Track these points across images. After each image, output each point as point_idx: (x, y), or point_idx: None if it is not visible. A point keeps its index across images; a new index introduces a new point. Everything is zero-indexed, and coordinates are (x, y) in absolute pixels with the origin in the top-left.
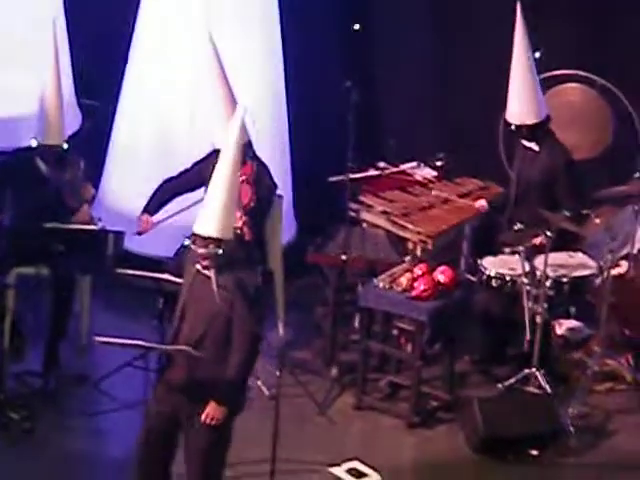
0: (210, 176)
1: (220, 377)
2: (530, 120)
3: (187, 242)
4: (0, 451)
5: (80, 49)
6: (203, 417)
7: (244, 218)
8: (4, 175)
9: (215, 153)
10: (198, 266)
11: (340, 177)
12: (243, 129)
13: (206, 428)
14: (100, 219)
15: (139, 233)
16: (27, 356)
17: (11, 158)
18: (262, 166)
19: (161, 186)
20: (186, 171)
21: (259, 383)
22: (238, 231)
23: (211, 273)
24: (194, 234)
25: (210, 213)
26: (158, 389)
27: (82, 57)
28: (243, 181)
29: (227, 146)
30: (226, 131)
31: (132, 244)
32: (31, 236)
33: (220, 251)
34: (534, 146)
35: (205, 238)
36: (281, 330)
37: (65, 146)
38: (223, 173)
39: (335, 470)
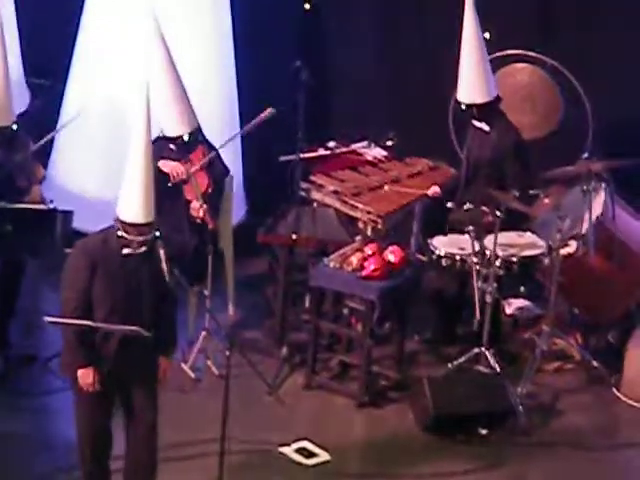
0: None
1: (161, 338)
2: (480, 99)
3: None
4: None
5: (29, 27)
6: (161, 374)
7: (205, 207)
8: None
9: (160, 139)
10: (126, 250)
11: (291, 157)
12: (183, 116)
13: (152, 387)
14: (52, 200)
15: None
16: None
17: None
18: (213, 150)
19: None
20: None
21: (209, 363)
22: (199, 220)
23: (160, 253)
24: (124, 223)
25: (136, 200)
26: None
27: (31, 35)
28: (198, 169)
29: (137, 128)
30: (172, 117)
31: (81, 223)
32: None
33: (157, 233)
34: (484, 126)
35: (138, 225)
36: (231, 310)
37: (14, 127)
38: (138, 156)
39: (285, 450)
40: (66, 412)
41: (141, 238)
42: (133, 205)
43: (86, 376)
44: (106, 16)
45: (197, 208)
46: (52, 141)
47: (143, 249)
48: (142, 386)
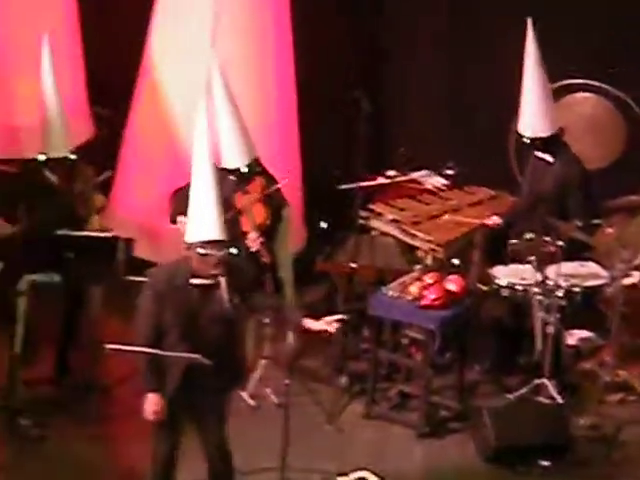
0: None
1: (231, 368)
2: (543, 133)
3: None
4: (11, 457)
5: (94, 57)
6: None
7: (260, 239)
8: (15, 186)
9: (220, 170)
10: (194, 280)
11: (350, 185)
12: (241, 148)
13: (220, 418)
14: (112, 229)
15: None
16: (38, 363)
17: (21, 170)
18: (272, 180)
19: (174, 196)
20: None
21: (268, 391)
22: (253, 251)
23: (220, 280)
24: (202, 242)
25: (207, 217)
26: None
27: (96, 66)
28: (256, 201)
29: (198, 149)
30: (230, 149)
31: (141, 251)
32: (43, 244)
33: (234, 250)
34: (548, 157)
35: (215, 242)
36: (290, 338)
37: (73, 157)
38: (204, 178)
39: (344, 479)
40: (125, 439)
41: (220, 253)
42: (207, 223)
43: (151, 402)
44: (169, 48)
45: (254, 239)
46: (113, 171)
47: (212, 281)
48: (212, 416)
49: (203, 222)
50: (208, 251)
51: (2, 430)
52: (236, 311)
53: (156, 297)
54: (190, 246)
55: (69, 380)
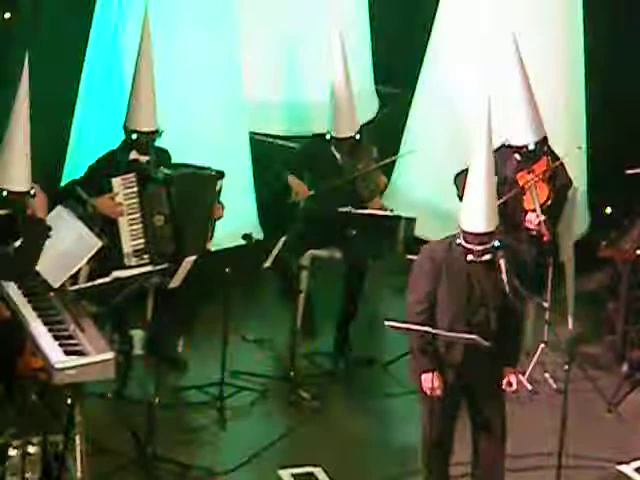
0: (497, 170)
1: (505, 349)
2: None
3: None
4: (290, 428)
5: (381, 36)
6: (505, 385)
7: (542, 218)
8: (304, 158)
9: (502, 148)
10: (470, 257)
11: (638, 170)
12: (531, 125)
13: (500, 399)
14: (392, 210)
15: None
16: (318, 337)
17: (310, 143)
18: (557, 161)
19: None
20: None
21: (547, 375)
22: (534, 232)
23: (500, 261)
24: (464, 231)
25: (476, 210)
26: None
27: (382, 44)
28: (539, 179)
29: (480, 140)
30: (520, 126)
31: (423, 231)
32: (325, 219)
33: (496, 243)
34: None
35: (478, 234)
36: (570, 323)
37: (357, 137)
38: (479, 169)
39: (623, 468)
40: (402, 417)
41: (480, 247)
42: (473, 214)
43: (428, 381)
44: (458, 25)
45: (532, 220)
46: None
47: (487, 257)
48: (490, 397)
49: (470, 213)
50: (468, 244)
51: (284, 401)
52: (514, 293)
53: (432, 273)
54: (459, 228)
55: (348, 354)
